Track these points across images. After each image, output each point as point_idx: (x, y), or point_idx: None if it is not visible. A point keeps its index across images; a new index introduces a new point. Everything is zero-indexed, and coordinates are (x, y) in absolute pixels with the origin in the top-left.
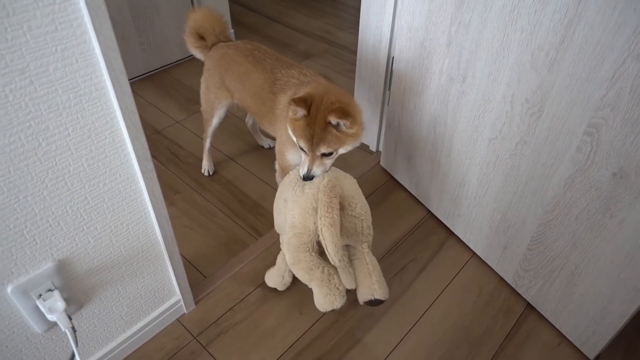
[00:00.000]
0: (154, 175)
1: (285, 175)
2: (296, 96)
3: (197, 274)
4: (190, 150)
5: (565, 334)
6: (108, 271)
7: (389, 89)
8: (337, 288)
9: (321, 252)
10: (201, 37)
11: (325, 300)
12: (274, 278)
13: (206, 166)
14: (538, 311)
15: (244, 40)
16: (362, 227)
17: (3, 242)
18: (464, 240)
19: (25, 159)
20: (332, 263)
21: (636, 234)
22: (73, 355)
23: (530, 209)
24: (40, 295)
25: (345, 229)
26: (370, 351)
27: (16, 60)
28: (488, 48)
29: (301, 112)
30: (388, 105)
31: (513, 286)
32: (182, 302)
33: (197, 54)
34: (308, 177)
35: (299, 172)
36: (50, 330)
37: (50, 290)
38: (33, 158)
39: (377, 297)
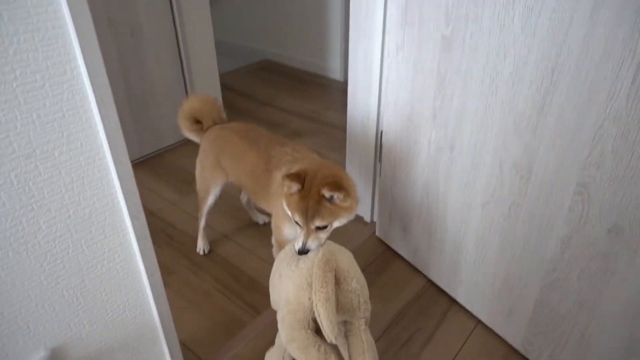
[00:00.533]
0: (153, 254)
1: (282, 245)
2: (290, 171)
3: (193, 358)
4: (184, 230)
5: None
6: (103, 358)
7: (380, 161)
8: None
9: (317, 330)
10: (196, 121)
11: None
12: (274, 359)
13: (201, 245)
14: None
15: (238, 122)
16: (359, 302)
17: None
18: (468, 307)
19: (25, 243)
20: (328, 340)
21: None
22: None
23: (531, 271)
24: None
25: (341, 305)
26: None
27: (23, 146)
28: (472, 118)
29: (295, 186)
30: (380, 176)
31: (523, 353)
32: None
33: (192, 137)
34: (303, 251)
35: (294, 246)
36: None
37: None
38: (33, 242)
39: None
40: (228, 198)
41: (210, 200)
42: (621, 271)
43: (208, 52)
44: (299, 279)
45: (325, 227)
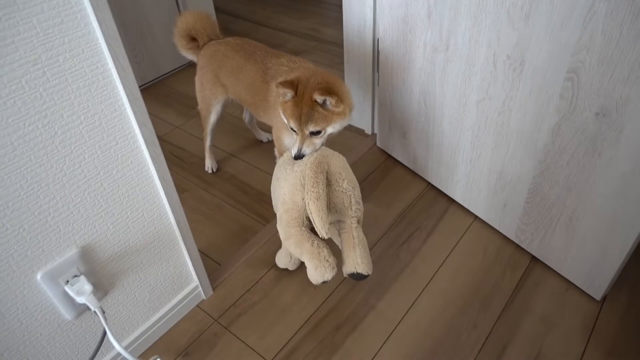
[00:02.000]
0: (163, 159)
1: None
2: (282, 79)
3: (212, 263)
4: (192, 151)
5: (571, 280)
6: (128, 257)
7: (378, 71)
8: (327, 260)
9: (312, 228)
10: (192, 39)
11: (315, 272)
12: (283, 259)
13: (209, 164)
14: (543, 262)
15: (234, 37)
16: (350, 202)
17: (30, 229)
18: (465, 205)
19: (44, 147)
20: (320, 236)
21: (624, 168)
22: (104, 335)
23: (524, 163)
24: (68, 281)
25: (334, 204)
26: (385, 316)
27: (29, 52)
28: (466, 13)
29: (289, 93)
30: (378, 85)
31: (516, 242)
32: (200, 289)
33: (189, 55)
34: (299, 156)
35: (291, 152)
36: (80, 317)
37: (76, 276)
38: (51, 146)
39: (359, 270)
40: (231, 119)
41: (213, 117)
42: (607, 152)
43: None
44: (293, 180)
45: (319, 133)
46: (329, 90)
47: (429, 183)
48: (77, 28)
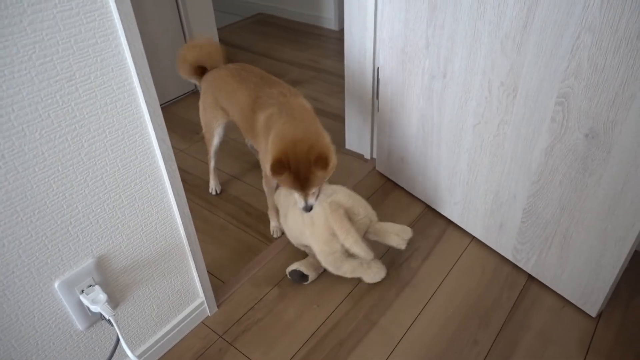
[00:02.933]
0: (177, 175)
1: (270, 184)
2: (272, 161)
3: (216, 281)
4: (196, 174)
5: (567, 297)
6: (140, 270)
7: (377, 98)
8: (376, 265)
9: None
10: (197, 66)
11: (375, 276)
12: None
13: (213, 185)
14: (539, 280)
15: (235, 63)
16: (370, 220)
17: (52, 237)
18: (462, 226)
19: (71, 159)
20: (367, 260)
21: (613, 186)
22: (117, 343)
23: (519, 183)
24: (83, 290)
25: (360, 230)
26: (387, 332)
27: (65, 69)
28: (462, 43)
29: (285, 175)
30: (378, 111)
31: (513, 261)
32: (205, 305)
33: (193, 80)
34: (308, 209)
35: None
36: (91, 329)
37: (91, 285)
38: (77, 158)
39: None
40: (234, 143)
41: (216, 140)
42: (597, 171)
43: (205, 5)
44: (323, 236)
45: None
46: (326, 162)
47: (427, 205)
48: (109, 48)
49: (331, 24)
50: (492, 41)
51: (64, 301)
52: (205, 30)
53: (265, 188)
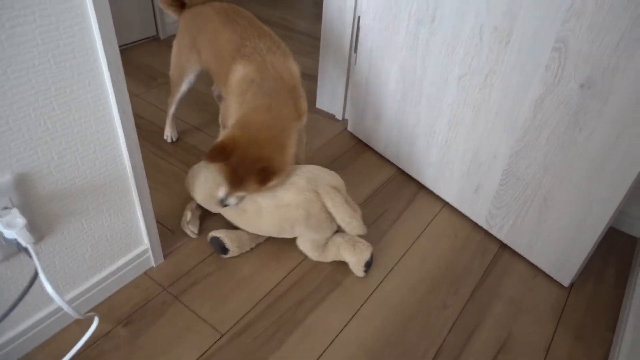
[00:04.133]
0: (125, 88)
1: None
2: (215, 145)
3: (165, 231)
4: (151, 120)
5: (540, 267)
6: (72, 199)
7: (355, 51)
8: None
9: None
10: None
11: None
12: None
13: (169, 133)
14: (512, 249)
15: (222, 1)
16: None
17: None
18: (435, 191)
19: None
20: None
21: (606, 140)
22: (35, 277)
23: (502, 141)
24: None
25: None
26: (351, 293)
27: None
28: None
29: (222, 165)
30: (355, 65)
31: (486, 228)
32: (150, 253)
33: (170, 12)
34: (222, 204)
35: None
36: (7, 263)
37: (7, 207)
38: None
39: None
40: (199, 94)
41: (184, 87)
42: (589, 125)
43: None
44: (318, 223)
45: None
46: (266, 178)
47: (399, 169)
48: (87, 63)
49: None
50: None
51: None
52: None
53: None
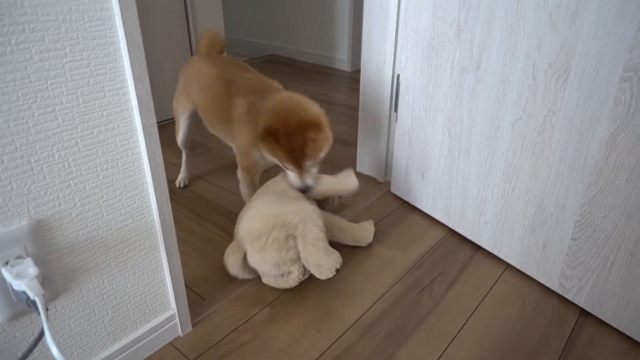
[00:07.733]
0: (156, 132)
1: (252, 178)
2: (262, 130)
3: (194, 296)
4: (189, 188)
5: (634, 337)
6: (93, 252)
7: (396, 110)
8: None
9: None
10: None
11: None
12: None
13: (179, 177)
14: (595, 316)
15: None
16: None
17: None
18: (494, 252)
19: (12, 71)
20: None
21: None
22: (40, 336)
23: (570, 189)
24: (8, 262)
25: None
26: None
27: (67, 121)
28: (501, 24)
29: (277, 145)
30: (396, 122)
31: (560, 292)
32: (177, 320)
33: None
34: (305, 189)
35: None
36: (16, 322)
37: (20, 257)
38: (22, 73)
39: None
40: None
41: (183, 124)
42: None
43: (216, 24)
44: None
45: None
46: (320, 127)
47: (450, 229)
48: (117, 104)
49: (344, 66)
50: (539, 14)
51: None
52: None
53: (244, 192)
